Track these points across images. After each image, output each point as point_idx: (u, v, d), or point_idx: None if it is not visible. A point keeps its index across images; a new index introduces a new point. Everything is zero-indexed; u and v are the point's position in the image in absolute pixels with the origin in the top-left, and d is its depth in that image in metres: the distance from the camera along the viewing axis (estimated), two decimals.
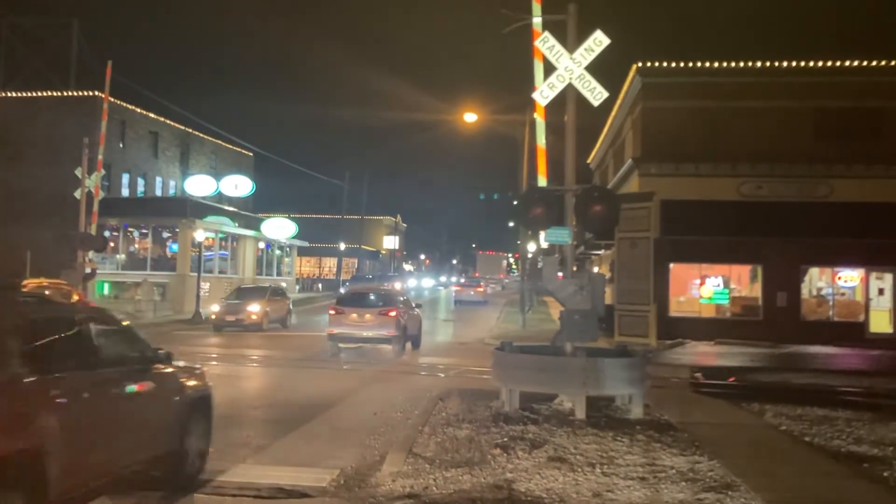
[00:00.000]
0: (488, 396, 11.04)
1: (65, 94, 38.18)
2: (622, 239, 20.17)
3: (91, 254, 26.52)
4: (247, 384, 14.43)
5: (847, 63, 24.85)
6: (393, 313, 18.92)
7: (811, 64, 24.92)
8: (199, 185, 43.22)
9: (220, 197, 43.98)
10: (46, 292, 13.77)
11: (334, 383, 14.27)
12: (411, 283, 56.40)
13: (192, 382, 7.45)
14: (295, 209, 65.12)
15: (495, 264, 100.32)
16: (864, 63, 24.84)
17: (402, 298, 20.98)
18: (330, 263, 73.65)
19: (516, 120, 31.29)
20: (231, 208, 42.73)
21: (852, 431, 9.98)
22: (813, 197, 24.59)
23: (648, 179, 24.65)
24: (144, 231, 36.89)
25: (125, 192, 40.62)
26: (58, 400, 5.26)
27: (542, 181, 11.52)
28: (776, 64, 25.08)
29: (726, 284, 25.80)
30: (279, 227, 45.88)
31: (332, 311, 19.26)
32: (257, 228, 43.74)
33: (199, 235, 32.07)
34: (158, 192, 43.64)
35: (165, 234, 37.02)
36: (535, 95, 11.14)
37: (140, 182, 42.24)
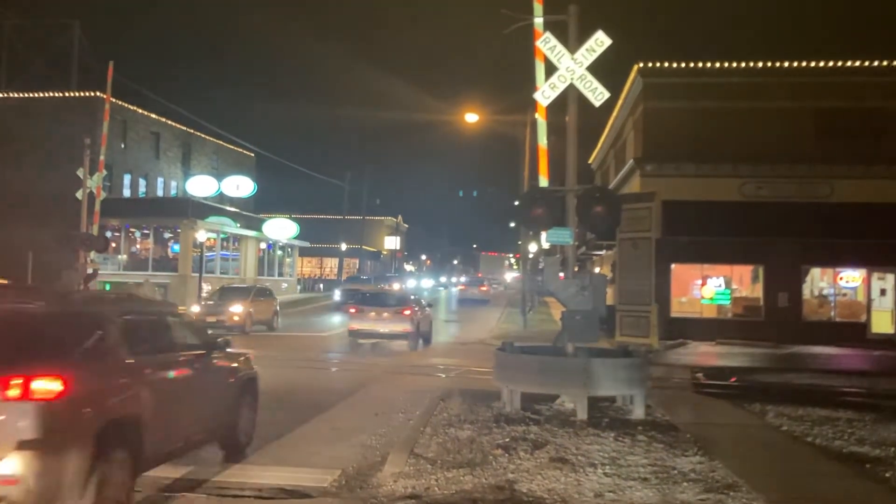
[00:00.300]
0: (490, 397, 11.03)
1: (66, 94, 38.22)
2: (623, 239, 20.07)
3: (93, 254, 26.48)
4: None
5: (848, 63, 24.84)
6: (408, 312, 20.39)
7: (812, 64, 24.91)
8: (201, 186, 43.23)
9: (221, 197, 44.01)
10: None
11: (335, 384, 14.26)
12: (410, 283, 56.46)
13: (243, 366, 8.76)
14: (296, 210, 65.05)
15: (497, 265, 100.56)
16: (866, 63, 24.82)
17: (413, 297, 22.39)
18: (331, 264, 73.68)
19: (517, 120, 31.26)
20: (232, 209, 42.75)
21: (854, 432, 9.97)
22: (814, 197, 24.58)
23: (650, 180, 24.64)
24: (146, 231, 36.94)
25: (127, 193, 40.66)
26: (149, 377, 6.56)
27: (544, 181, 11.51)
28: (777, 64, 25.08)
29: (728, 285, 25.79)
30: (281, 228, 45.91)
31: (352, 310, 21.02)
32: (259, 229, 43.77)
33: (201, 236, 32.11)
34: (160, 193, 43.69)
35: (167, 235, 37.07)
36: (537, 96, 11.14)
37: (141, 182, 42.29)
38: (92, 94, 36.15)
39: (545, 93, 11.01)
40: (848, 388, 14.89)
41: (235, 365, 8.57)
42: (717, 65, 25.27)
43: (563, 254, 11.68)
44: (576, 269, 11.75)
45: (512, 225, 68.96)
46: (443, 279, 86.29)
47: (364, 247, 68.47)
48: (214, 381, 8.01)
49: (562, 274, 11.35)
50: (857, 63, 24.82)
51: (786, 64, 25.04)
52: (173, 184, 45.09)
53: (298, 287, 53.47)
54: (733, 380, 16.14)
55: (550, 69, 11.03)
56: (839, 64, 24.84)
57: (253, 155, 53.72)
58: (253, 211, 47.32)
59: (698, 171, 24.88)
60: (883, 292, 25.04)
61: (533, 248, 45.41)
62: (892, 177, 24.14)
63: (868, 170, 24.24)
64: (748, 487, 6.86)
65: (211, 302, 25.89)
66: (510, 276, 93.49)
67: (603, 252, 34.23)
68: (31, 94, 38.25)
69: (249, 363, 8.99)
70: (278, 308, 27.99)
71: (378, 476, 7.29)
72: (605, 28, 10.77)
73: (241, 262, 41.44)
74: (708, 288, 25.73)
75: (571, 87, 10.89)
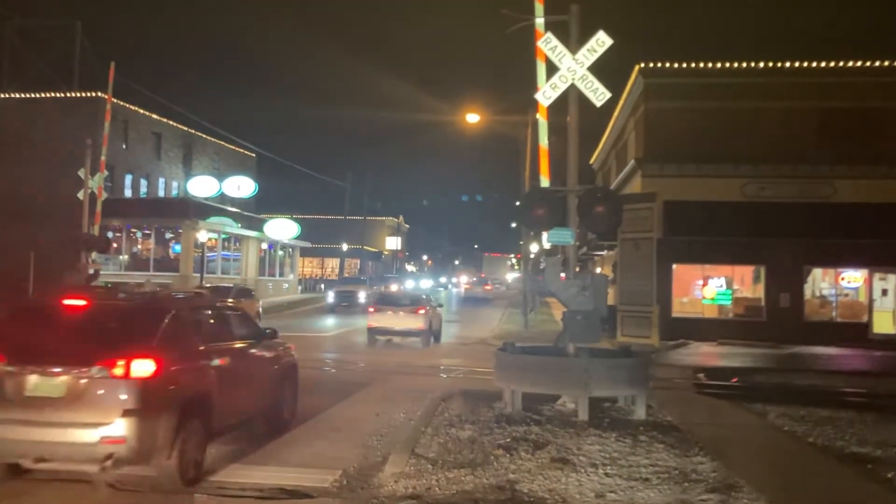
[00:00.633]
0: (491, 397, 11.02)
1: (68, 95, 38.26)
2: (625, 240, 20.07)
3: (94, 255, 26.50)
4: None
5: (850, 64, 24.82)
6: (422, 311, 21.92)
7: (814, 64, 24.90)
8: (202, 186, 43.22)
9: (222, 198, 44.00)
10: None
11: (334, 384, 14.25)
12: (409, 283, 56.72)
13: (286, 354, 10.12)
14: (298, 210, 65.08)
15: (500, 266, 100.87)
16: (868, 63, 24.81)
17: (425, 297, 23.89)
18: (332, 264, 73.72)
19: (519, 120, 31.21)
20: (234, 209, 42.75)
21: (856, 432, 9.96)
22: (816, 197, 24.56)
23: (651, 180, 24.63)
24: (147, 232, 36.96)
25: (128, 193, 40.70)
26: (216, 362, 7.87)
27: (545, 182, 11.49)
28: (779, 64, 25.06)
29: (729, 285, 25.78)
30: (282, 228, 45.89)
31: (371, 309, 22.90)
32: (260, 229, 43.77)
33: (202, 236, 32.10)
34: (161, 193, 43.72)
35: (168, 235, 37.09)
36: (538, 96, 11.13)
37: (143, 183, 42.33)
38: (93, 94, 36.19)
39: (546, 93, 11.00)
40: (849, 389, 14.87)
41: (280, 353, 9.92)
42: (719, 65, 25.26)
43: (564, 254, 11.66)
44: (577, 269, 11.74)
45: (513, 225, 69.10)
46: (442, 279, 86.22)
47: (365, 247, 68.48)
48: (264, 366, 9.34)
49: (563, 274, 11.34)
50: (860, 63, 24.80)
51: (787, 64, 25.02)
52: (175, 184, 45.12)
53: (300, 287, 53.47)
54: (735, 380, 16.13)
55: (552, 69, 11.02)
56: (841, 64, 24.83)
57: (254, 155, 53.77)
58: (254, 211, 47.33)
59: (700, 171, 24.87)
60: (884, 293, 25.01)
61: (534, 248, 45.40)
62: (894, 177, 24.12)
63: (870, 170, 24.22)
64: (749, 488, 6.85)
65: None
66: (512, 276, 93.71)
67: (604, 252, 34.22)
68: (32, 95, 38.30)
69: (291, 352, 10.35)
70: (261, 309, 27.79)
71: (379, 476, 7.29)
72: (606, 28, 10.76)
73: (242, 262, 41.45)
74: (709, 288, 25.72)
75: (572, 87, 10.88)
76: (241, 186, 44.50)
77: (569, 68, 10.80)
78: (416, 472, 7.26)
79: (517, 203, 37.67)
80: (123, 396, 6.51)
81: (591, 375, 9.88)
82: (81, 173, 27.16)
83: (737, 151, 24.56)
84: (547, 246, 35.52)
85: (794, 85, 24.89)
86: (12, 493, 6.82)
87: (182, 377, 7.16)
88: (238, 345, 8.69)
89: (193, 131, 46.60)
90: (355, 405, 11.76)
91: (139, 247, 37.52)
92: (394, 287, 44.65)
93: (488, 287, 61.25)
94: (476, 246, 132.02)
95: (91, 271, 25.71)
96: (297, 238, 47.74)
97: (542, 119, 11.50)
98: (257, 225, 44.03)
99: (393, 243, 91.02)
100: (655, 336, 19.30)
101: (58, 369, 6.59)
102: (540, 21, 11.20)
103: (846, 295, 25.51)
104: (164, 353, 6.92)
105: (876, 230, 23.84)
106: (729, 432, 9.62)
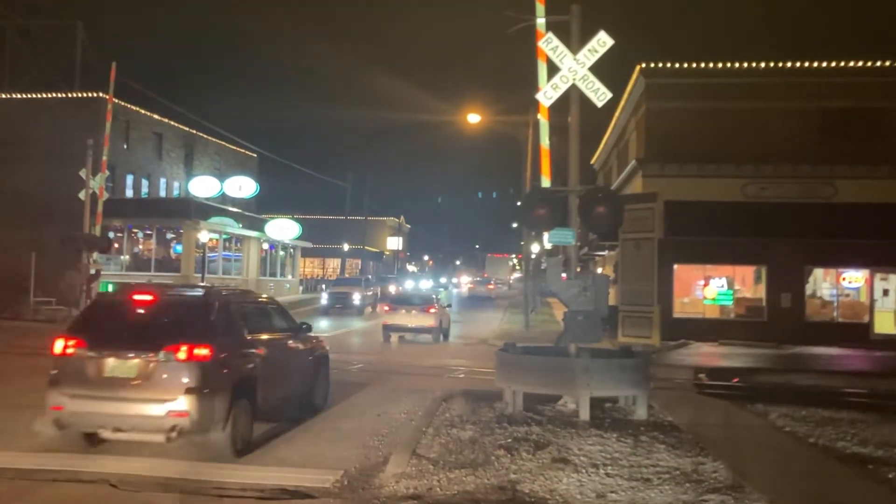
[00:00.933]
0: (492, 398, 11.02)
1: (69, 95, 38.23)
2: (626, 240, 20.00)
3: (95, 255, 26.54)
4: None
5: (851, 64, 24.81)
6: (433, 310, 23.55)
7: (815, 65, 24.89)
8: (203, 187, 43.20)
9: (223, 198, 43.99)
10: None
11: (334, 385, 14.22)
12: (408, 284, 56.69)
13: (319, 346, 11.33)
14: (299, 210, 65.04)
15: (502, 266, 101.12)
16: (869, 63, 24.80)
17: (435, 297, 25.39)
18: (333, 264, 73.69)
19: (520, 120, 31.20)
20: (235, 209, 42.74)
21: (857, 433, 9.94)
22: (817, 198, 24.55)
23: (652, 180, 24.63)
24: (148, 232, 36.94)
25: (129, 193, 40.66)
26: (260, 349, 9.04)
27: (546, 182, 11.49)
28: (780, 65, 25.06)
29: (730, 285, 25.76)
30: (283, 228, 45.88)
31: (386, 308, 24.86)
32: (261, 229, 43.77)
33: (203, 236, 32.09)
34: (162, 194, 43.68)
35: (169, 236, 37.07)
36: (539, 96, 11.12)
37: (144, 183, 42.30)
38: (95, 94, 36.14)
39: (547, 93, 11.00)
40: (851, 389, 14.85)
41: (314, 345, 11.16)
42: (720, 65, 25.25)
43: (565, 254, 11.67)
44: (578, 269, 11.73)
45: (514, 225, 69.26)
46: (442, 280, 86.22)
47: (366, 247, 68.47)
48: (299, 355, 10.48)
49: (564, 274, 11.34)
50: (861, 63, 24.79)
51: (789, 64, 25.02)
52: (176, 184, 45.10)
53: (301, 287, 53.45)
54: (736, 380, 16.11)
55: (553, 70, 11.02)
56: (842, 64, 24.82)
57: (255, 155, 53.70)
58: (255, 212, 47.31)
59: (701, 171, 24.86)
60: (886, 293, 25.00)
61: (535, 248, 45.37)
62: (895, 177, 24.10)
63: (871, 170, 24.21)
64: (751, 488, 6.85)
65: None
66: (513, 276, 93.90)
67: (605, 252, 34.21)
68: (34, 95, 38.29)
69: (323, 345, 11.61)
70: None
71: (380, 476, 7.29)
72: (607, 28, 10.77)
73: (243, 262, 41.45)
74: (710, 288, 25.71)
75: (574, 87, 10.88)
76: (243, 187, 44.49)
77: (570, 68, 10.80)
78: (417, 473, 7.26)
79: (519, 203, 37.69)
80: (185, 377, 7.66)
81: (592, 376, 9.88)
82: (83, 173, 27.19)
83: (738, 151, 24.56)
84: (548, 246, 35.50)
85: (796, 85, 24.87)
86: (12, 492, 6.84)
87: (233, 362, 8.30)
88: (278, 336, 9.90)
89: (195, 131, 46.57)
90: (356, 405, 11.76)
91: (140, 247, 37.51)
92: (391, 288, 44.36)
93: (491, 286, 64.35)
94: (477, 246, 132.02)
95: (92, 271, 25.78)
96: (299, 238, 47.72)
97: (543, 119, 11.50)
98: (258, 225, 44.03)
99: (394, 243, 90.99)
100: (656, 336, 19.24)
101: (131, 354, 7.79)
102: (541, 21, 11.19)
103: (847, 295, 25.49)
104: (218, 340, 8.07)
105: (877, 230, 23.82)
106: (730, 433, 9.61)
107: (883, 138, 24.30)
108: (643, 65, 25.78)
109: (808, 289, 25.41)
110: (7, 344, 19.11)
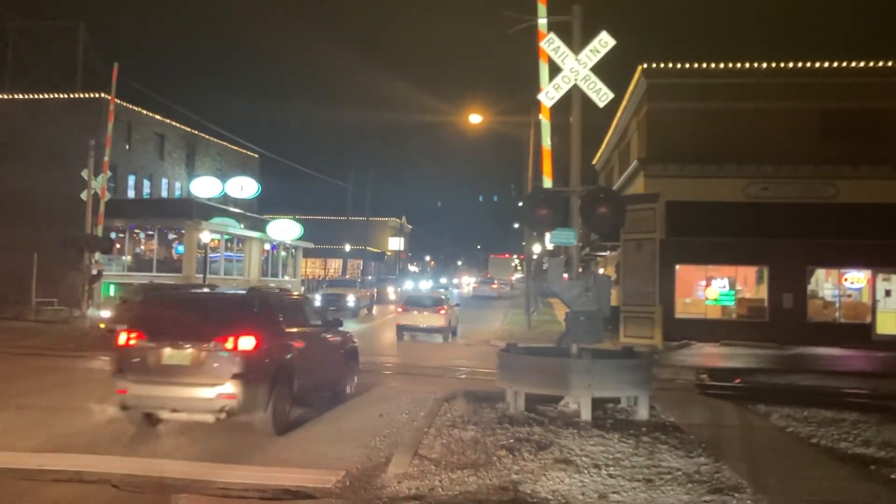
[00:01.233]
0: (493, 398, 11.01)
1: (71, 96, 38.24)
2: (628, 240, 20.12)
3: (97, 255, 26.54)
4: None
5: (853, 64, 24.79)
6: (443, 311, 24.76)
7: (817, 65, 24.86)
8: (205, 187, 43.18)
9: (225, 198, 43.97)
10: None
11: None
12: (408, 285, 56.71)
13: (349, 340, 12.60)
14: (300, 211, 64.99)
15: (505, 266, 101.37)
16: (870, 64, 24.78)
17: (445, 298, 26.58)
18: (335, 265, 73.69)
19: (521, 121, 31.26)
20: (236, 210, 42.72)
21: (859, 433, 9.93)
22: (819, 198, 24.54)
23: (654, 181, 24.63)
24: (150, 232, 36.92)
25: (131, 194, 40.66)
26: (297, 341, 10.17)
27: (548, 182, 11.48)
28: (781, 65, 25.04)
29: (732, 286, 25.74)
30: (285, 229, 45.84)
31: (399, 309, 26.15)
32: (263, 230, 43.74)
33: (205, 237, 32.07)
34: (164, 194, 43.68)
35: (171, 236, 37.05)
36: (541, 96, 11.11)
37: (146, 183, 42.31)
38: (97, 95, 36.13)
39: (549, 94, 10.99)
40: (853, 390, 14.84)
41: (344, 339, 12.40)
42: (722, 65, 25.24)
43: (567, 255, 11.68)
44: (580, 270, 11.71)
45: (516, 226, 69.50)
46: (443, 280, 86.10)
47: (368, 248, 68.50)
48: (331, 347, 11.67)
49: (566, 275, 11.33)
50: (862, 63, 24.77)
51: (790, 64, 25.00)
52: (177, 185, 45.10)
53: (302, 288, 53.42)
54: (738, 381, 16.10)
55: (554, 70, 11.01)
56: (844, 64, 24.80)
57: (257, 156, 53.68)
58: (257, 212, 47.29)
59: (702, 171, 24.85)
60: (888, 293, 24.96)
61: (537, 248, 45.34)
62: None
63: (873, 170, 24.19)
64: (753, 489, 6.84)
65: (122, 306, 22.90)
66: (515, 277, 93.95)
67: (607, 253, 34.20)
68: (35, 96, 38.30)
69: (353, 339, 12.79)
70: None
71: (382, 477, 7.29)
72: (608, 29, 10.76)
73: (245, 263, 41.42)
74: (712, 289, 25.69)
75: (575, 87, 10.87)
76: (244, 187, 44.47)
77: (571, 69, 10.80)
78: (419, 473, 7.26)
79: (520, 204, 37.68)
80: (233, 365, 8.69)
81: (593, 376, 9.87)
82: (85, 174, 27.19)
83: (739, 152, 24.54)
84: (550, 246, 35.50)
85: (797, 85, 24.86)
86: (14, 493, 6.84)
87: (274, 351, 9.35)
88: (312, 330, 10.99)
89: (196, 132, 46.57)
90: (358, 406, 11.76)
91: (142, 247, 37.48)
92: (389, 289, 47.29)
93: (494, 286, 66.71)
94: (479, 246, 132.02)
95: (94, 272, 25.79)
96: (300, 239, 47.67)
97: (544, 120, 11.49)
98: (260, 226, 44.01)
99: (395, 244, 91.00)
100: (658, 337, 19.35)
101: (185, 344, 8.87)
102: (542, 22, 11.18)
103: (849, 296, 25.46)
104: (261, 332, 9.09)
105: (879, 231, 23.81)
106: (732, 433, 9.61)
107: (885, 138, 24.28)
108: (645, 65, 25.77)
109: (810, 289, 25.38)
110: (8, 344, 19.13)
